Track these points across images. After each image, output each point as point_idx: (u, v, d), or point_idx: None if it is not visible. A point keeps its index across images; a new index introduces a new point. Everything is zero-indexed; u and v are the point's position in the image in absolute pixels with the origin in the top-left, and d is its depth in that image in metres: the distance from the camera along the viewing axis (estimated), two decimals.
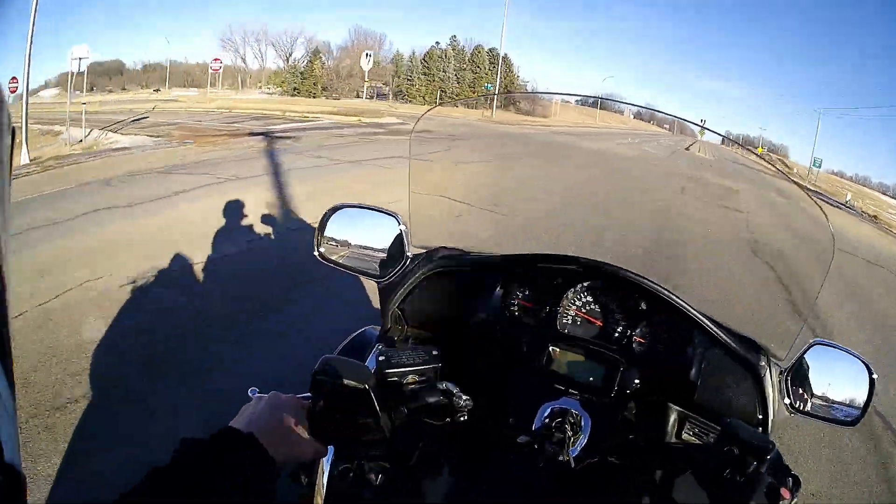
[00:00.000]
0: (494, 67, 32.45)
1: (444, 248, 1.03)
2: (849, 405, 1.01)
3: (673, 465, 0.86)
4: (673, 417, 0.94)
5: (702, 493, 0.87)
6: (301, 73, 31.49)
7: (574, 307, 1.01)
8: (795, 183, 1.68)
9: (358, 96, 30.67)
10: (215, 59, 27.53)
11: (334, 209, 1.09)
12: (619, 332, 0.99)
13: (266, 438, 0.57)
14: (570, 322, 1.01)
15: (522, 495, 0.81)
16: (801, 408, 0.98)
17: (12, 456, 0.28)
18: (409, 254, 1.03)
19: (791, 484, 0.88)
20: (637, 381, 0.93)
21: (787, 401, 0.96)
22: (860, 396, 1.00)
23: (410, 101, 31.02)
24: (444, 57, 32.93)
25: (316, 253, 1.08)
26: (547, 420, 0.85)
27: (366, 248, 1.08)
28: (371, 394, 0.62)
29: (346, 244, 1.09)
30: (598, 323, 1.00)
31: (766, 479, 0.70)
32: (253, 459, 0.54)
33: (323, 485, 0.89)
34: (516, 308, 1.03)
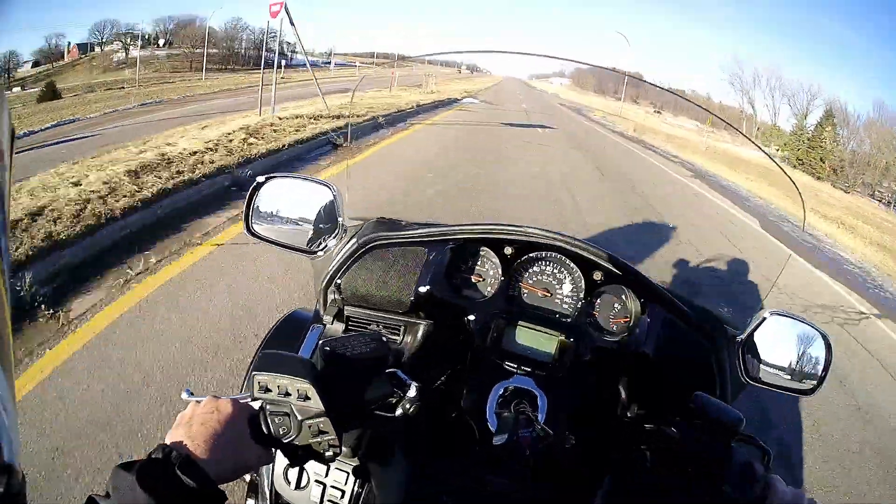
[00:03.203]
0: None
1: (383, 218, 0.95)
2: (806, 374, 0.99)
3: (637, 442, 0.82)
4: (630, 390, 0.90)
5: (670, 470, 0.84)
6: (808, 141, 22.31)
7: (523, 280, 0.95)
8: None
9: (873, 196, 19.40)
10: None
11: (265, 180, 1.00)
12: (570, 305, 0.93)
13: (206, 453, 0.52)
14: (519, 296, 0.95)
15: (482, 483, 0.77)
16: (759, 378, 0.96)
17: (12, 456, 0.29)
18: (344, 225, 0.95)
19: (763, 457, 0.85)
20: (591, 354, 0.88)
21: (744, 371, 0.94)
22: (817, 365, 0.98)
23: None
24: None
25: (245, 229, 0.99)
26: (501, 401, 0.80)
27: (300, 221, 0.99)
28: (314, 389, 0.57)
29: (278, 218, 1.00)
30: (549, 295, 0.94)
31: (737, 453, 0.67)
32: (192, 489, 0.49)
33: (267, 490, 0.83)
34: (461, 283, 0.95)
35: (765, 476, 0.65)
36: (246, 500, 0.94)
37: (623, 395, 0.90)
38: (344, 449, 0.73)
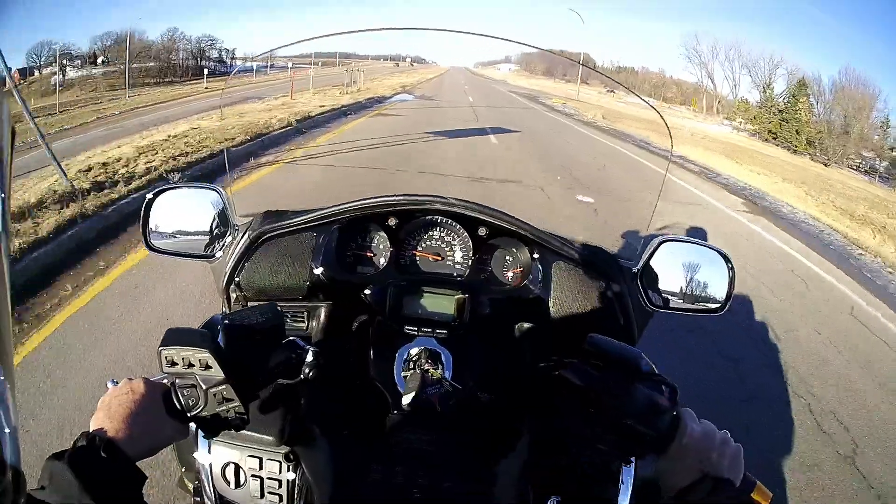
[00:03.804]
0: None
1: (270, 211, 0.96)
2: (711, 292, 1.01)
3: (541, 388, 0.84)
4: (535, 337, 0.92)
5: (574, 415, 0.86)
6: (781, 113, 20.92)
7: (416, 248, 0.96)
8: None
9: (857, 168, 18.57)
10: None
11: (154, 195, 1.00)
12: (462, 264, 0.95)
13: (124, 432, 0.56)
14: (410, 263, 0.97)
15: (395, 445, 0.78)
16: (663, 305, 0.98)
17: (12, 456, 0.29)
18: (235, 225, 0.95)
19: (668, 392, 0.87)
20: (490, 307, 0.89)
21: (646, 300, 0.95)
22: (721, 283, 1.00)
23: None
24: None
25: (145, 246, 1.00)
26: (406, 364, 0.82)
27: (195, 228, 1.00)
28: (213, 358, 0.60)
29: (174, 229, 1.00)
30: (440, 258, 0.96)
31: (638, 390, 0.66)
32: (114, 468, 0.54)
33: (211, 493, 0.84)
34: (354, 260, 0.97)
35: (671, 410, 0.64)
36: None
37: (528, 342, 0.92)
38: (270, 438, 0.79)
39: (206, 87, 19.34)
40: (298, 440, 0.79)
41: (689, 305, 0.99)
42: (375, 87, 19.47)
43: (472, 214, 0.90)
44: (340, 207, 0.90)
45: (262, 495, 0.81)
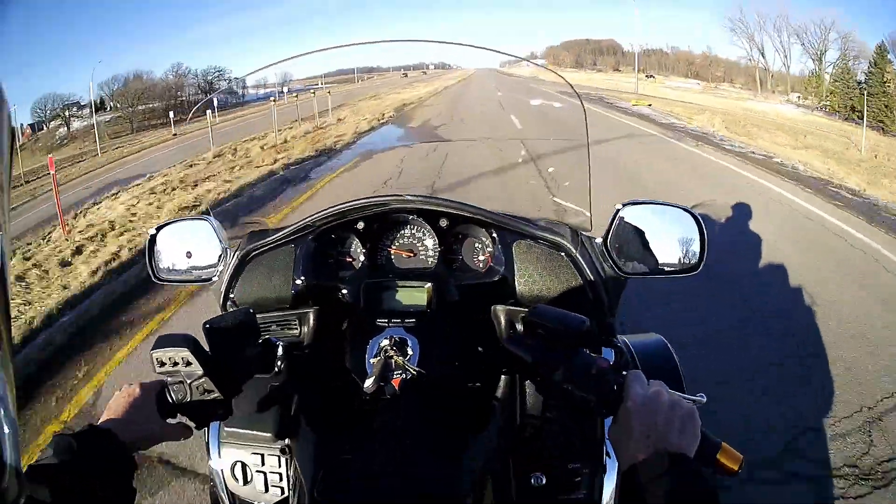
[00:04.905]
0: None
1: (253, 231, 1.05)
2: (684, 252, 1.01)
3: (498, 365, 0.88)
4: (503, 318, 0.96)
5: (524, 387, 0.89)
6: (860, 85, 16.81)
7: (386, 246, 1.03)
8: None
9: None
10: None
11: (157, 230, 1.12)
12: (432, 257, 1.01)
13: (122, 425, 0.67)
14: (386, 262, 1.03)
15: (367, 430, 0.82)
16: (636, 271, 0.99)
17: (12, 456, 0.29)
18: (226, 248, 1.05)
19: (613, 356, 0.88)
20: (459, 294, 0.94)
21: (616, 268, 0.97)
22: (692, 241, 1.01)
23: None
24: None
25: (153, 278, 1.11)
26: (377, 354, 0.86)
27: (194, 258, 1.10)
28: (192, 355, 0.69)
29: (175, 259, 1.11)
30: (412, 254, 1.02)
31: (580, 356, 0.66)
32: (110, 452, 0.64)
33: (224, 494, 0.93)
34: (335, 265, 1.04)
35: (614, 373, 0.65)
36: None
37: (502, 323, 0.96)
38: (268, 434, 0.88)
39: (174, 135, 17.03)
40: (291, 434, 0.87)
41: (660, 268, 1.00)
42: (361, 110, 14.05)
43: (429, 208, 0.96)
44: (309, 219, 0.98)
45: (267, 489, 0.89)
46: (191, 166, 9.66)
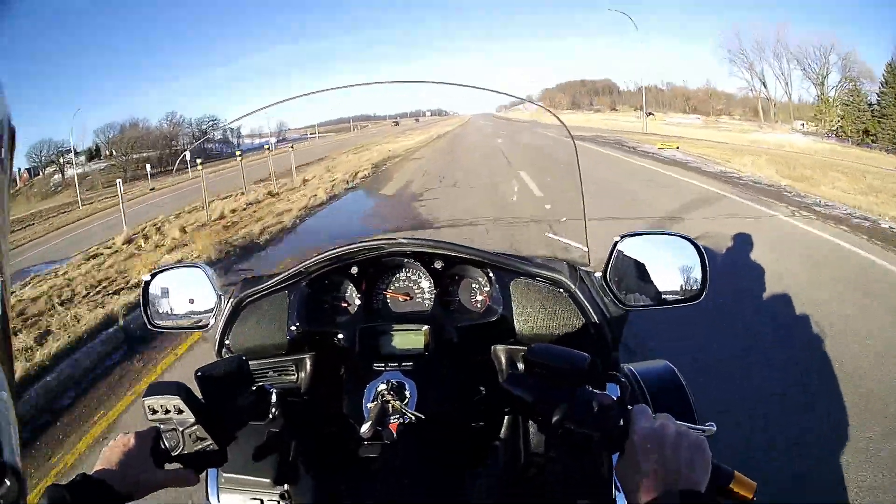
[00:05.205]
0: None
1: (246, 279, 1.04)
2: (686, 280, 0.99)
3: (499, 405, 0.86)
4: (503, 358, 0.94)
5: (527, 426, 0.87)
6: (871, 108, 16.54)
7: (382, 290, 1.01)
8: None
9: None
10: None
11: (151, 276, 1.11)
12: (429, 300, 0.99)
13: (115, 474, 0.66)
14: (382, 306, 1.01)
15: (366, 474, 0.81)
16: (638, 303, 0.97)
17: (12, 457, 0.29)
18: (220, 294, 1.04)
19: (618, 391, 0.86)
20: (458, 336, 0.93)
21: (618, 301, 0.95)
22: (693, 269, 0.99)
23: None
24: None
25: (147, 325, 1.10)
26: (374, 398, 0.84)
27: (188, 305, 1.09)
28: (183, 403, 0.69)
29: (170, 306, 1.10)
30: (409, 297, 1.00)
31: (581, 393, 0.65)
32: (104, 502, 0.63)
33: None
34: (330, 309, 1.03)
35: (618, 408, 0.63)
36: None
37: (503, 363, 0.94)
38: (268, 480, 0.87)
39: (151, 189, 16.70)
40: (290, 479, 0.86)
41: (665, 299, 0.98)
42: (336, 166, 12.63)
43: (423, 250, 0.94)
44: (302, 266, 0.97)
45: None
46: (93, 257, 7.34)
